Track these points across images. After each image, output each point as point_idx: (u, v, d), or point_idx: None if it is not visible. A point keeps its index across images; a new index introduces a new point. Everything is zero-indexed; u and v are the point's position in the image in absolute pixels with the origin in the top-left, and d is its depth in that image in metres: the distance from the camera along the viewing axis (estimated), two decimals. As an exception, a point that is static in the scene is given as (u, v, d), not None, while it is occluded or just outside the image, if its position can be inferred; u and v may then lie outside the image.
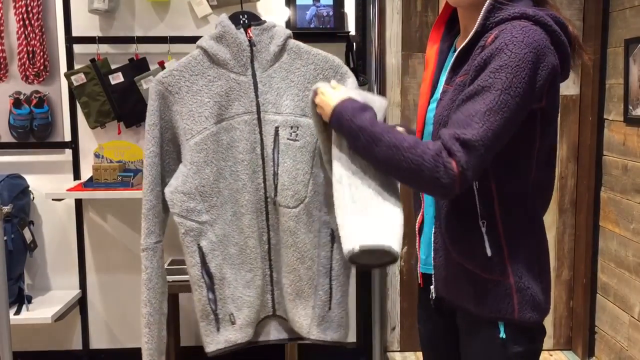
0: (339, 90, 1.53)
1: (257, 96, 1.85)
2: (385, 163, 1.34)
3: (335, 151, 1.54)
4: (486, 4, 1.34)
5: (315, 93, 1.55)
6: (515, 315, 1.37)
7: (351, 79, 1.88)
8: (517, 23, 1.30)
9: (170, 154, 1.88)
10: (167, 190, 1.83)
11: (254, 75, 1.84)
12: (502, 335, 1.38)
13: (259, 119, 1.85)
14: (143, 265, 1.85)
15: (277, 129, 1.84)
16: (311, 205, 1.86)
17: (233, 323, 1.89)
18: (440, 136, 1.29)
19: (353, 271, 3.11)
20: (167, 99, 1.83)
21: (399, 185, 1.53)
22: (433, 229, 1.47)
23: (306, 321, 1.90)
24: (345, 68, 1.90)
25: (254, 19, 1.87)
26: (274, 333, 1.99)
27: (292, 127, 1.84)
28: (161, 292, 1.88)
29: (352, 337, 3.20)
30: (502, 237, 1.37)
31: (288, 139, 1.83)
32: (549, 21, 1.32)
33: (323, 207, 1.90)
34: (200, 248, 1.84)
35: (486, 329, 1.40)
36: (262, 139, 1.85)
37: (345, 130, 1.43)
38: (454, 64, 1.41)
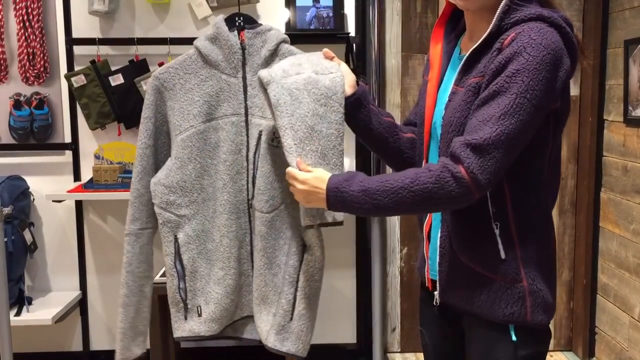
0: (312, 172, 1.50)
1: (245, 99, 1.87)
2: (400, 208, 1.34)
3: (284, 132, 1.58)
4: (502, 5, 1.33)
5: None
6: (528, 318, 1.37)
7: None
8: (533, 25, 1.30)
9: (166, 146, 1.93)
10: (152, 181, 1.89)
11: (244, 78, 1.87)
12: (514, 338, 1.38)
13: (246, 121, 1.87)
14: (125, 249, 1.92)
15: (260, 133, 1.86)
16: (285, 212, 1.87)
17: (200, 315, 1.94)
18: (452, 144, 1.30)
19: (352, 273, 3.14)
20: (162, 94, 1.87)
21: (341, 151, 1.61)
22: (440, 234, 1.45)
23: (265, 327, 1.90)
24: None
25: (250, 22, 1.89)
26: (250, 332, 2.02)
27: (274, 133, 1.84)
28: (142, 277, 1.95)
29: (352, 338, 3.20)
30: (515, 239, 1.37)
31: (269, 143, 1.85)
32: (562, 23, 1.32)
33: (298, 215, 1.85)
34: (176, 239, 1.90)
35: (496, 332, 1.40)
36: (248, 142, 1.88)
37: (350, 201, 1.38)
38: (464, 65, 1.40)
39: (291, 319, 1.89)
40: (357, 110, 1.60)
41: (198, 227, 1.91)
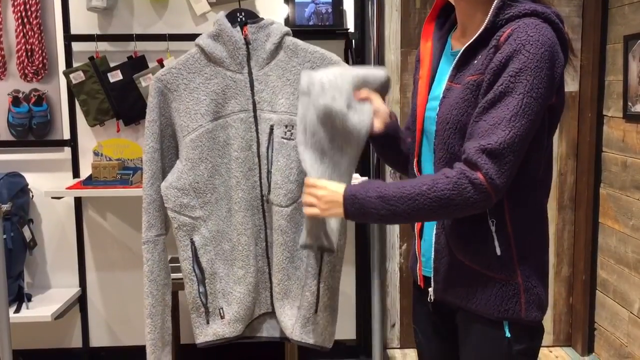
0: (330, 183, 1.47)
1: (253, 94, 1.85)
2: (417, 215, 1.33)
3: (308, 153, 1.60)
4: (496, 1, 1.34)
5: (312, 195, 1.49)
6: (522, 315, 1.38)
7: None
8: (529, 21, 1.30)
9: (171, 149, 1.90)
10: (162, 185, 1.86)
11: (250, 74, 1.85)
12: (507, 334, 1.38)
13: (255, 117, 1.86)
14: (144, 257, 1.88)
15: (271, 128, 1.85)
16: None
17: (222, 317, 1.92)
18: (465, 150, 1.29)
19: (351, 269, 3.14)
20: (166, 96, 1.85)
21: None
22: (435, 230, 1.45)
23: (291, 321, 1.91)
24: (343, 65, 1.88)
25: (251, 17, 1.88)
26: (268, 330, 2.00)
27: (286, 126, 1.84)
28: (163, 284, 1.92)
29: (351, 334, 3.20)
30: (511, 236, 1.37)
31: (282, 137, 1.84)
32: (555, 19, 1.32)
33: None
34: (192, 242, 1.88)
35: (490, 328, 1.40)
36: (258, 137, 1.86)
37: (367, 207, 1.36)
38: (459, 61, 1.39)
39: (316, 311, 1.90)
40: (384, 143, 1.63)
41: (213, 228, 1.89)
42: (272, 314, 1.98)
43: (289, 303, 1.91)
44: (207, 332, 1.93)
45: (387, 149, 1.64)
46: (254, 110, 1.86)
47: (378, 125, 1.60)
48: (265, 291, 1.95)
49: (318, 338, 1.92)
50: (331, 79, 1.59)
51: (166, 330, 1.94)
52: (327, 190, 1.44)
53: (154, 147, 1.85)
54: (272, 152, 1.85)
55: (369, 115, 1.59)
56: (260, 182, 1.88)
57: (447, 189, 1.28)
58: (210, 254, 1.89)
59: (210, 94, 1.84)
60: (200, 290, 1.90)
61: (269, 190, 1.87)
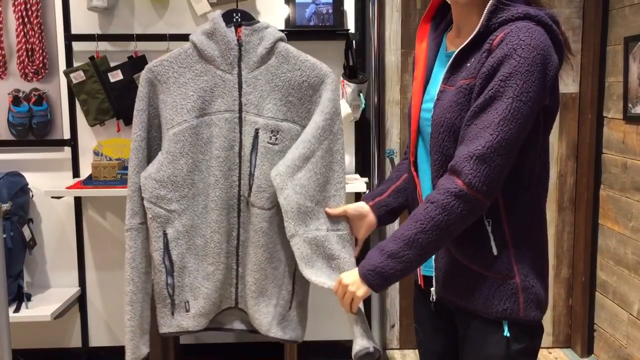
0: (348, 273, 1.48)
1: (240, 95, 1.87)
2: (429, 249, 1.34)
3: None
4: (489, 4, 1.34)
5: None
6: (521, 314, 1.38)
7: (330, 88, 1.88)
8: (521, 24, 1.30)
9: (158, 139, 1.92)
10: (142, 175, 1.88)
11: (239, 75, 1.86)
12: (506, 333, 1.38)
13: (240, 118, 1.87)
14: (127, 245, 1.90)
15: (257, 132, 1.87)
16: None
17: (187, 311, 1.95)
18: (454, 156, 1.31)
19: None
20: (155, 87, 1.87)
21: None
22: None
23: (267, 319, 1.95)
24: (332, 78, 1.89)
25: (247, 19, 1.89)
26: (233, 323, 2.05)
27: (272, 132, 1.87)
28: (145, 272, 1.94)
29: (351, 335, 3.19)
30: (507, 236, 1.37)
31: (268, 142, 1.86)
32: (549, 21, 1.32)
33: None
34: (165, 235, 1.89)
35: (489, 328, 1.40)
36: (241, 139, 1.88)
37: (385, 272, 1.36)
38: (452, 63, 1.40)
39: (290, 308, 1.96)
40: (387, 220, 1.71)
41: (188, 222, 1.90)
42: (236, 308, 2.02)
43: (265, 301, 1.94)
44: (171, 324, 1.96)
45: (396, 213, 1.70)
46: (240, 112, 1.87)
47: (370, 226, 1.71)
48: (230, 287, 1.98)
49: (292, 333, 1.99)
50: (309, 210, 1.79)
51: (145, 319, 1.96)
52: (346, 278, 1.45)
53: (141, 135, 1.87)
54: (257, 156, 1.86)
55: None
56: (239, 183, 1.90)
57: (437, 214, 1.29)
58: (181, 247, 1.91)
59: (198, 91, 1.85)
60: (168, 282, 1.92)
61: (250, 193, 1.88)
